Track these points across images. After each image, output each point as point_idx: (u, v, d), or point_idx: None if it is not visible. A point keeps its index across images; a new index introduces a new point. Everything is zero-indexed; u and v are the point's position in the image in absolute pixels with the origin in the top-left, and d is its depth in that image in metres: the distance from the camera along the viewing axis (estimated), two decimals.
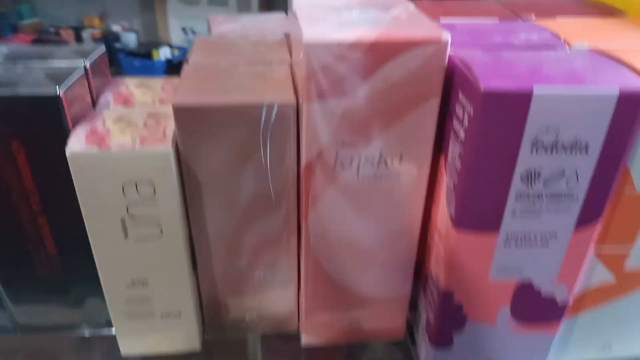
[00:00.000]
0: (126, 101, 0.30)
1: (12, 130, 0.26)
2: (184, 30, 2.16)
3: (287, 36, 0.37)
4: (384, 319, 0.35)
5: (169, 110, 0.29)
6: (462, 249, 0.27)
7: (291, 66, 0.31)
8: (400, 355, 0.45)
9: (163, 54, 2.06)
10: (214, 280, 0.32)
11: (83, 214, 0.27)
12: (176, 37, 2.18)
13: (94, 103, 0.30)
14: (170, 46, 2.10)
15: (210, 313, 0.34)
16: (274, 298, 0.34)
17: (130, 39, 2.12)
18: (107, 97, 0.30)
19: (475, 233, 0.26)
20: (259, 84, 0.28)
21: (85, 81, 0.28)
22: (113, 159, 0.25)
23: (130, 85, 0.32)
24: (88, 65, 0.29)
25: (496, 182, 0.25)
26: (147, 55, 2.02)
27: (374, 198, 0.29)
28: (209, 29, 0.40)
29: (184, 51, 2.11)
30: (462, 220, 0.26)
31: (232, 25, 0.40)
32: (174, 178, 0.27)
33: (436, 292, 0.30)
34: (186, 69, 0.29)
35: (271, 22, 0.41)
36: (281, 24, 0.41)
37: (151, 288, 0.30)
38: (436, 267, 0.29)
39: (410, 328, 0.36)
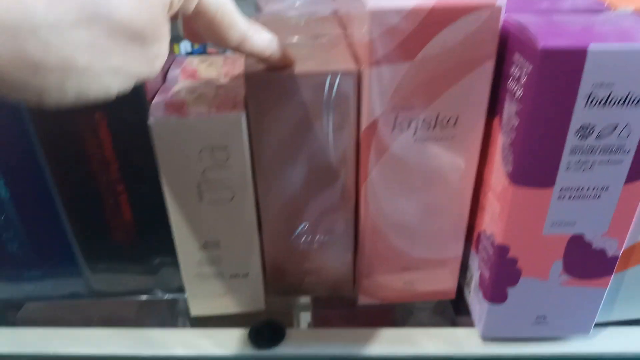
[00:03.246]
0: (192, 75, 0.32)
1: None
2: None
3: (334, 12, 0.39)
4: (436, 279, 0.36)
5: (235, 82, 0.31)
6: (518, 205, 0.29)
7: (346, 38, 0.32)
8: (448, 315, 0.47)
9: (184, 47, 2.08)
10: (277, 243, 0.34)
11: (162, 179, 0.29)
12: None
13: (163, 78, 0.32)
14: None
15: (272, 275, 0.36)
16: (332, 262, 0.36)
17: None
18: (174, 72, 0.33)
19: (531, 188, 0.28)
20: (319, 55, 0.29)
21: None
22: (191, 125, 0.27)
23: (194, 61, 0.34)
24: None
25: (552, 137, 0.26)
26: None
27: (430, 160, 0.30)
28: (257, 7, 0.42)
29: (204, 45, 2.13)
30: (519, 176, 0.28)
31: (280, 4, 0.42)
32: (245, 143, 0.29)
33: (492, 249, 0.31)
34: None
35: (317, 0, 0.43)
36: (326, 1, 0.42)
37: (222, 250, 0.32)
38: (491, 225, 0.31)
39: (460, 289, 0.37)
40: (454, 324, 0.46)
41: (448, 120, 0.29)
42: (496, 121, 0.30)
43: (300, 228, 0.34)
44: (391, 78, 0.27)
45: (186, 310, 0.37)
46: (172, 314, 0.40)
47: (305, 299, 0.49)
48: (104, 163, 0.30)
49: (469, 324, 0.36)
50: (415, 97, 0.28)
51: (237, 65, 0.34)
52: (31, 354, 0.34)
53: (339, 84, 0.28)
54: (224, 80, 0.32)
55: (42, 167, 0.31)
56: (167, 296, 0.36)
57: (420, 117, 0.29)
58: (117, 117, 0.29)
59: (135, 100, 0.28)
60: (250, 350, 0.34)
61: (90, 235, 0.33)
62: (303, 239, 0.34)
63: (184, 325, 0.43)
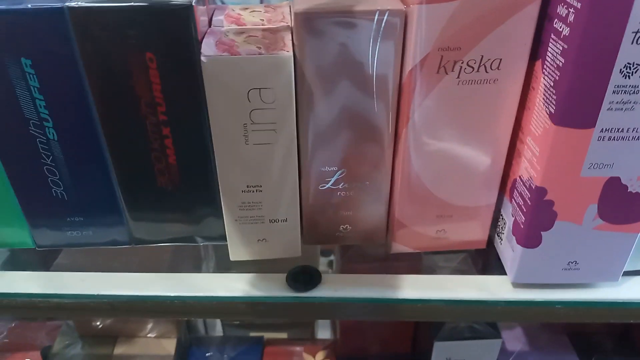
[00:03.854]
0: (237, 21, 0.33)
1: (147, 41, 0.29)
2: None
3: None
4: (468, 228, 0.37)
5: (280, 26, 0.31)
6: (558, 146, 0.29)
7: None
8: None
9: None
10: (315, 190, 0.35)
11: (210, 120, 0.30)
12: None
13: (209, 22, 0.32)
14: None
15: (308, 222, 0.37)
16: (368, 210, 0.36)
17: None
18: (219, 17, 0.33)
19: (572, 129, 0.29)
20: None
21: (207, 2, 0.31)
22: (242, 64, 0.28)
23: (236, 9, 0.35)
24: None
25: (596, 75, 0.27)
26: None
27: (471, 104, 0.31)
28: None
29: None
30: (561, 116, 0.28)
31: None
32: (291, 85, 0.29)
33: (529, 192, 0.32)
34: None
35: None
36: None
37: (264, 193, 0.33)
38: (529, 169, 0.32)
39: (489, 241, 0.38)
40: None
41: (492, 63, 0.29)
42: (538, 64, 0.30)
43: (337, 174, 0.34)
44: (439, 17, 0.28)
45: (220, 259, 0.38)
46: (207, 262, 0.41)
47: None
48: (152, 105, 0.31)
49: None
50: (460, 38, 0.29)
51: (278, 13, 0.34)
52: (73, 295, 0.35)
53: (385, 23, 0.28)
54: (268, 25, 0.32)
55: (91, 110, 0.31)
56: (208, 243, 0.37)
57: (465, 59, 0.29)
58: (167, 58, 0.29)
59: (186, 40, 0.29)
60: (288, 293, 0.35)
61: (135, 180, 0.34)
62: (340, 186, 0.35)
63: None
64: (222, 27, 0.32)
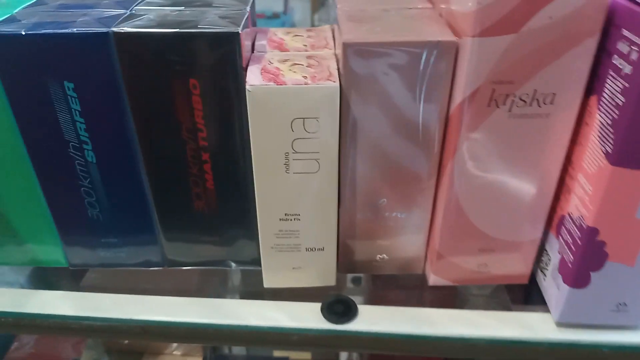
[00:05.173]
0: (280, 46, 0.32)
1: (192, 68, 0.28)
2: None
3: None
4: (511, 263, 0.36)
5: (324, 53, 0.31)
6: (614, 186, 0.28)
7: (435, 9, 0.32)
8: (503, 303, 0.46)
9: None
10: (354, 219, 0.34)
11: (252, 147, 0.29)
12: None
13: (252, 48, 0.32)
14: None
15: (345, 250, 0.36)
16: (406, 240, 0.35)
17: None
18: (261, 42, 0.32)
19: (631, 169, 0.27)
20: (416, 25, 0.29)
21: (250, 25, 0.30)
22: (288, 93, 0.27)
23: (278, 33, 0.34)
24: (248, 10, 0.31)
25: None
26: None
27: (521, 138, 0.30)
28: None
29: None
30: (619, 156, 0.27)
31: None
32: (336, 115, 0.28)
33: (579, 231, 0.31)
34: (340, 15, 0.31)
35: None
36: None
37: (302, 222, 0.32)
38: (580, 207, 0.30)
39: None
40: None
41: (545, 97, 0.28)
42: (593, 100, 0.29)
43: (378, 203, 0.34)
44: (493, 51, 0.27)
45: (247, 283, 0.37)
46: (235, 286, 0.40)
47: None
48: (193, 131, 0.30)
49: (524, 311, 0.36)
50: (514, 71, 0.27)
51: (321, 38, 0.34)
52: (106, 319, 0.35)
53: (436, 54, 0.27)
54: (311, 51, 0.31)
55: (130, 134, 0.31)
56: (240, 268, 0.36)
57: (518, 92, 0.28)
58: (210, 85, 0.29)
59: (230, 67, 0.28)
60: (323, 325, 0.34)
61: (172, 203, 0.33)
62: (380, 215, 0.34)
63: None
64: (265, 52, 0.31)
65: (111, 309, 0.35)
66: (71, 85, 0.29)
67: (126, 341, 0.50)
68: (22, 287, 0.44)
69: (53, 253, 0.36)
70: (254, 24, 0.34)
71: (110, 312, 0.35)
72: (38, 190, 0.33)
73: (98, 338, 0.48)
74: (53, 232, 0.35)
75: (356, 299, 0.36)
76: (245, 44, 0.29)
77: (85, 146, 0.31)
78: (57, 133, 0.31)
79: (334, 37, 0.34)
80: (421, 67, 0.28)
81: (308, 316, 0.34)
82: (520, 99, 0.28)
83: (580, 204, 0.30)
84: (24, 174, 0.32)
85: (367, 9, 0.32)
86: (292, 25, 1.29)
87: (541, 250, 0.36)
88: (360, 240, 0.35)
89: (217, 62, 0.28)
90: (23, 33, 0.27)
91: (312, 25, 1.26)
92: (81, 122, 0.30)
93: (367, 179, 0.32)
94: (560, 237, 0.33)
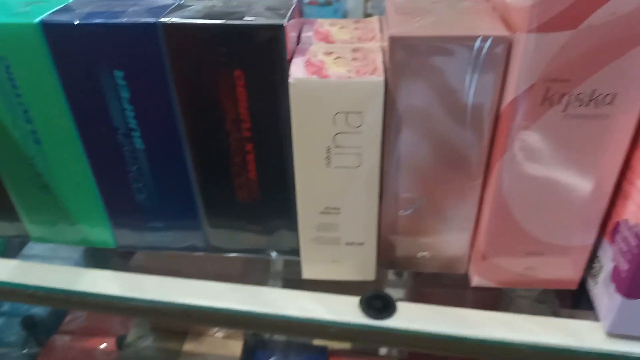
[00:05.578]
0: (326, 38, 0.31)
1: (237, 59, 0.28)
2: None
3: None
4: (560, 267, 0.34)
5: (370, 45, 0.30)
6: None
7: (488, 3, 0.30)
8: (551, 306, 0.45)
9: None
10: (395, 215, 0.33)
11: (293, 140, 0.29)
12: None
13: (297, 40, 0.32)
14: None
15: (386, 246, 0.35)
16: (449, 238, 0.34)
17: None
18: (307, 34, 0.32)
19: None
20: (467, 19, 0.28)
21: (297, 16, 0.30)
22: (331, 87, 0.27)
23: (324, 24, 0.33)
24: (295, 2, 0.30)
25: None
26: None
27: (576, 139, 0.28)
28: None
29: None
30: None
31: None
32: (381, 110, 0.28)
33: (636, 239, 0.29)
34: (389, 7, 0.30)
35: None
36: None
37: (342, 216, 0.32)
38: (638, 214, 0.29)
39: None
40: (555, 315, 0.44)
41: (604, 98, 0.27)
42: None
43: (420, 201, 0.33)
44: (549, 47, 0.25)
45: (288, 272, 0.37)
46: (275, 274, 0.40)
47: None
48: (237, 121, 0.30)
49: (572, 316, 0.34)
50: (571, 69, 0.26)
51: (368, 30, 0.33)
52: (149, 301, 0.36)
53: (488, 49, 0.26)
54: (357, 44, 0.31)
55: (177, 122, 0.31)
56: (280, 257, 0.36)
57: (574, 91, 0.26)
58: (255, 76, 0.29)
59: (275, 59, 0.28)
60: (361, 319, 0.34)
61: (215, 191, 0.34)
62: (422, 213, 0.33)
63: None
64: (311, 44, 0.31)
65: (156, 291, 0.36)
66: (121, 74, 0.30)
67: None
68: (76, 263, 0.46)
69: (102, 234, 0.38)
70: (302, 15, 0.34)
71: (154, 294, 0.36)
72: (90, 174, 0.34)
73: (141, 317, 0.50)
74: (103, 214, 0.37)
75: (396, 294, 0.36)
76: (291, 35, 0.29)
77: (133, 133, 0.32)
78: (107, 120, 0.32)
79: (381, 29, 0.33)
80: (471, 64, 0.27)
81: (347, 310, 0.34)
82: (577, 99, 0.27)
83: (638, 211, 0.29)
84: (77, 159, 0.34)
85: (417, 1, 0.31)
86: (345, 13, 1.27)
87: (593, 256, 0.34)
88: (402, 237, 0.35)
89: (261, 54, 0.28)
90: (76, 23, 0.28)
91: (365, 13, 1.24)
92: (130, 110, 0.31)
93: (409, 176, 0.32)
94: (614, 244, 0.31)
